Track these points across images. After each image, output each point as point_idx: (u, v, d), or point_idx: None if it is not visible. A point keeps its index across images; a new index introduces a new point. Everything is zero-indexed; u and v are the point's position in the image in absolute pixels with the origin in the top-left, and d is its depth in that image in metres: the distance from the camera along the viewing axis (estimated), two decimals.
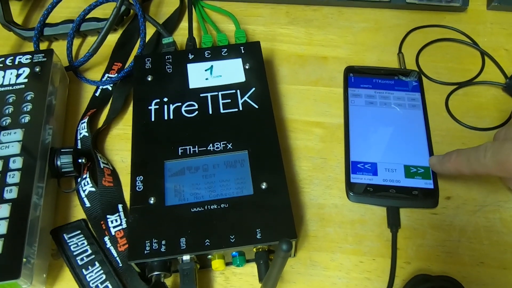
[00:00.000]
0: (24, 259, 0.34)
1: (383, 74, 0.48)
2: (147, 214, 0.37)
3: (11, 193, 0.37)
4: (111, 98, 0.49)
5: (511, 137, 0.36)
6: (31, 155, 0.39)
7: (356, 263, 0.39)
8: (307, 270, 0.39)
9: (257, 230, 0.35)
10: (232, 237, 0.35)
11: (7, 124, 0.41)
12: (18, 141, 0.40)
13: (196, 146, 0.40)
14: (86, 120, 0.46)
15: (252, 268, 0.39)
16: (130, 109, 0.49)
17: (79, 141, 0.45)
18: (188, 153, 0.40)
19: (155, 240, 0.35)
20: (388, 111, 0.46)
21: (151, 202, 0.37)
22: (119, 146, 0.46)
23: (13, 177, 0.38)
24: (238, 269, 0.39)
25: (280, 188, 0.38)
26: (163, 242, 0.35)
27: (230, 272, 0.39)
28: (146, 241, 0.35)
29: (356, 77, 0.48)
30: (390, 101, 0.46)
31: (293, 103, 0.48)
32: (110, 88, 0.50)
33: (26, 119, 0.42)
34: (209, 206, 0.37)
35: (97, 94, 0.50)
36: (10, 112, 0.42)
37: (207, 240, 0.35)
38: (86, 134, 0.45)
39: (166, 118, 0.42)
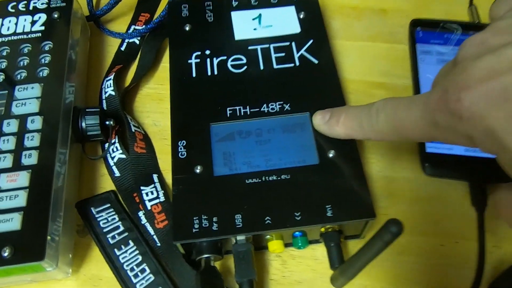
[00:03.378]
0: (49, 237, 0.29)
1: (455, 28, 0.41)
2: (193, 185, 0.31)
3: (30, 158, 0.31)
4: (139, 53, 0.42)
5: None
6: (53, 114, 0.33)
7: (436, 246, 0.33)
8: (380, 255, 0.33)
9: (327, 206, 0.29)
10: (297, 215, 0.29)
11: (22, 78, 0.35)
12: (37, 97, 0.34)
13: (248, 107, 0.34)
14: (112, 77, 0.39)
15: (312, 251, 0.33)
16: (162, 65, 0.42)
17: (104, 102, 0.39)
18: (238, 114, 0.34)
19: (205, 217, 0.29)
20: None
21: (197, 171, 0.31)
22: (151, 107, 0.40)
23: (32, 140, 0.32)
24: (297, 252, 0.33)
25: (351, 156, 0.32)
26: (215, 219, 0.29)
27: (288, 255, 0.33)
28: (195, 218, 0.29)
29: (425, 31, 0.41)
30: None
31: (350, 61, 0.42)
32: (138, 42, 0.43)
33: (45, 72, 0.35)
34: (267, 177, 0.31)
35: (122, 49, 0.43)
36: (25, 64, 0.36)
37: (268, 217, 0.29)
38: (113, 93, 0.39)
39: (209, 73, 0.36)
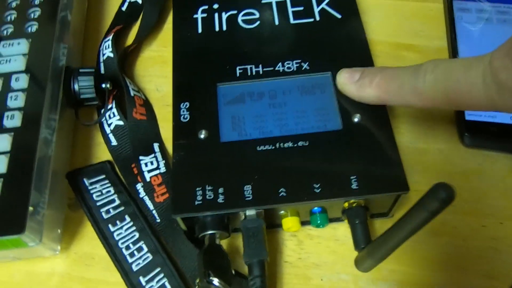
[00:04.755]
0: (31, 208, 0.25)
1: None
2: (197, 152, 0.27)
3: (13, 119, 0.27)
4: (142, 13, 0.38)
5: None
6: (40, 74, 0.29)
7: (476, 227, 0.29)
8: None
9: (352, 178, 0.25)
10: (316, 186, 0.25)
11: (8, 34, 0.31)
12: (23, 54, 0.30)
13: (260, 66, 0.30)
14: (110, 37, 0.35)
15: (333, 230, 0.29)
16: (166, 26, 0.38)
17: (102, 65, 0.35)
18: (249, 74, 0.30)
19: (209, 187, 0.25)
20: (509, 30, 0.34)
21: (202, 136, 0.27)
22: (153, 71, 0.36)
23: (16, 99, 0.28)
24: (315, 231, 0.29)
25: (380, 121, 0.27)
26: (221, 190, 0.25)
27: (305, 235, 0.29)
28: (197, 189, 0.25)
29: None
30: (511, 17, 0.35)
31: (376, 21, 0.37)
32: (140, 1, 0.39)
33: (33, 27, 0.31)
34: (281, 144, 0.27)
35: (123, 8, 0.39)
36: (12, 19, 0.32)
37: (282, 189, 0.25)
38: (111, 54, 0.35)
39: (217, 29, 0.32)
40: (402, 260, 0.28)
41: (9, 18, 0.32)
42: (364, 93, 0.27)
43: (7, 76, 0.29)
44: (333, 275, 0.28)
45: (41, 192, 0.26)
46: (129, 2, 0.39)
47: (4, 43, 0.30)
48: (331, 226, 0.29)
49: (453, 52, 0.34)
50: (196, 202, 0.25)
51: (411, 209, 0.18)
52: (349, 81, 0.27)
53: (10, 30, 0.31)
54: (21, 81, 0.29)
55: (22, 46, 0.30)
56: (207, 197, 0.25)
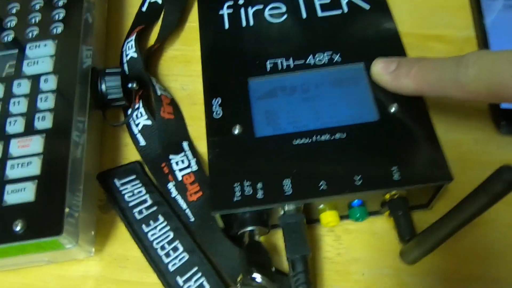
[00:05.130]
0: (67, 209, 0.25)
1: None
2: (232, 148, 0.26)
3: (44, 121, 0.27)
4: (163, 13, 0.38)
5: None
6: (68, 74, 0.29)
7: None
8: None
9: (393, 168, 0.25)
10: (357, 178, 0.25)
11: (34, 36, 0.31)
12: (50, 55, 0.30)
13: (291, 59, 0.29)
14: (133, 37, 0.35)
15: (370, 224, 0.28)
16: (188, 25, 0.38)
17: (125, 65, 0.35)
18: (280, 68, 0.29)
19: (248, 183, 0.25)
20: None
21: (236, 132, 0.27)
22: (177, 70, 0.36)
23: (46, 101, 0.28)
24: (353, 225, 0.28)
25: (417, 110, 0.27)
26: (259, 185, 0.25)
27: (342, 229, 0.28)
28: (236, 185, 0.25)
29: None
30: None
31: (403, 13, 0.36)
32: (160, 1, 0.39)
33: (59, 29, 0.31)
34: (318, 137, 0.26)
35: (144, 9, 0.39)
36: (37, 21, 0.32)
37: (322, 182, 0.25)
38: (135, 55, 0.34)
39: (244, 24, 0.31)
40: (445, 255, 0.27)
41: (33, 20, 0.32)
42: (400, 83, 0.26)
43: (36, 78, 0.29)
44: (374, 270, 0.27)
45: (75, 194, 0.26)
46: (149, 3, 0.39)
47: (30, 45, 0.30)
48: (368, 220, 0.28)
49: (482, 41, 0.33)
50: (235, 198, 0.25)
51: (471, 194, 0.17)
52: (384, 71, 0.27)
53: (35, 33, 0.31)
54: (50, 82, 0.28)
55: (48, 48, 0.30)
56: (246, 192, 0.25)
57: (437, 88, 0.25)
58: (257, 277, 0.23)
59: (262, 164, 0.26)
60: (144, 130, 0.32)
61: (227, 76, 0.29)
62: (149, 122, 0.32)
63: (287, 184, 0.25)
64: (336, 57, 0.29)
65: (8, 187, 0.25)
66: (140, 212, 0.29)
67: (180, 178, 0.29)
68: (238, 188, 0.25)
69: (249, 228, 0.25)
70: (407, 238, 0.24)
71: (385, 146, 0.26)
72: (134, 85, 0.32)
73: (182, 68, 0.36)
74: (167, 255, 0.28)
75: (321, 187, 0.24)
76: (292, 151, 0.26)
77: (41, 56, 0.30)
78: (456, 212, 0.18)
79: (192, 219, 0.29)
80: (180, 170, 0.30)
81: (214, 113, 0.28)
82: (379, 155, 0.25)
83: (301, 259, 0.24)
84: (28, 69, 0.29)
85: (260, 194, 0.25)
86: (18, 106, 0.28)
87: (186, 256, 0.28)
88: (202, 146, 0.31)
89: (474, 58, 0.23)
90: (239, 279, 0.25)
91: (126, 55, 0.35)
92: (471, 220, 0.18)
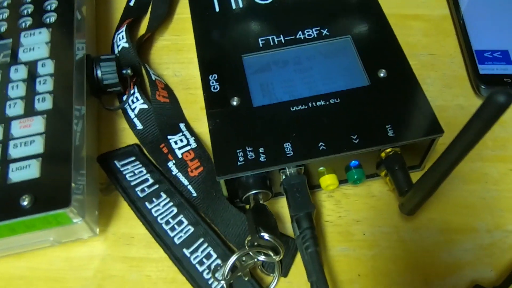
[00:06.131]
0: (73, 184, 0.25)
1: None
2: (232, 118, 0.27)
3: (44, 102, 0.27)
4: (151, 5, 0.39)
5: None
6: (65, 59, 0.30)
7: (505, 171, 0.30)
8: (442, 185, 0.29)
9: (387, 126, 0.26)
10: (354, 137, 0.26)
11: (27, 26, 0.31)
12: (46, 42, 0.30)
13: (281, 36, 0.31)
14: (123, 29, 0.36)
15: (367, 187, 0.29)
16: (176, 17, 0.39)
17: (118, 55, 0.35)
18: (272, 44, 0.30)
19: (250, 149, 0.26)
20: None
21: (234, 103, 0.28)
22: (168, 58, 0.37)
23: (45, 84, 0.28)
24: (351, 189, 0.29)
25: (405, 74, 0.28)
26: (261, 150, 0.26)
27: (341, 194, 0.29)
28: (238, 150, 0.26)
29: None
30: None
31: None
32: None
33: (52, 18, 0.32)
34: (314, 103, 0.27)
35: (131, 4, 0.40)
36: (29, 12, 0.32)
37: (321, 143, 0.26)
38: (126, 45, 0.35)
39: (234, 6, 0.32)
40: (439, 208, 0.28)
41: (25, 11, 0.32)
42: None
43: (33, 64, 0.29)
44: (374, 229, 0.28)
45: (78, 173, 0.26)
46: None
47: (25, 33, 0.30)
48: (365, 184, 0.29)
49: (456, 15, 0.35)
50: (239, 163, 0.25)
51: (466, 124, 0.18)
52: None
53: (28, 23, 0.32)
54: (48, 67, 0.29)
55: (43, 35, 0.30)
56: (249, 157, 0.25)
57: None
58: (265, 235, 0.24)
59: (262, 131, 0.26)
60: (141, 114, 0.32)
61: (222, 54, 0.30)
62: (145, 106, 0.32)
63: (287, 147, 0.26)
64: (325, 32, 0.31)
65: (12, 165, 0.25)
66: (142, 190, 0.29)
67: (180, 156, 0.30)
68: (241, 154, 0.26)
69: (254, 191, 0.26)
70: (405, 189, 0.25)
71: (378, 107, 0.27)
72: (129, 70, 0.33)
73: (174, 56, 0.37)
74: (172, 229, 0.28)
75: (321, 148, 0.26)
76: (290, 117, 0.27)
77: (36, 43, 0.30)
78: (453, 144, 0.19)
79: (195, 194, 0.29)
80: (180, 148, 0.30)
81: (212, 87, 0.29)
82: (372, 115, 0.27)
83: (306, 216, 0.25)
84: (24, 55, 0.30)
85: (262, 158, 0.25)
86: (17, 90, 0.28)
87: (191, 228, 0.28)
88: (198, 127, 0.32)
89: None
90: (246, 240, 0.25)
91: (118, 46, 0.36)
92: (468, 151, 0.19)
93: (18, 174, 0.25)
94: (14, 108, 0.27)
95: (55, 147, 0.26)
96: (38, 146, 0.26)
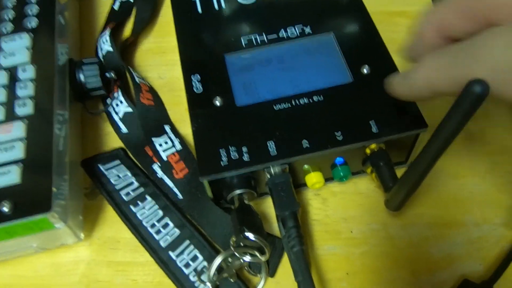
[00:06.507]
0: (54, 189, 0.24)
1: None
2: (215, 118, 0.27)
3: (25, 107, 0.27)
4: (135, 9, 0.39)
5: None
6: (46, 65, 0.29)
7: (492, 165, 0.29)
8: (429, 180, 0.29)
9: (371, 122, 0.26)
10: (338, 134, 0.26)
11: (8, 31, 0.31)
12: (26, 47, 0.30)
13: (263, 34, 0.30)
14: (107, 32, 0.36)
15: (354, 184, 0.29)
16: (161, 19, 0.39)
17: (102, 59, 0.35)
18: (254, 43, 0.30)
19: (233, 148, 0.26)
20: None
21: (217, 103, 0.28)
22: (153, 61, 0.36)
23: (26, 89, 0.28)
24: (338, 187, 0.29)
25: (388, 69, 0.28)
26: (245, 149, 0.25)
27: (328, 192, 0.29)
28: (221, 150, 0.25)
29: None
30: None
31: None
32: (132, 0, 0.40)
33: (33, 23, 0.31)
34: (297, 101, 0.27)
35: (115, 7, 0.39)
36: (10, 17, 0.32)
37: (305, 140, 0.25)
38: (110, 48, 0.35)
39: (217, 7, 0.32)
40: (427, 203, 0.28)
41: (6, 16, 0.32)
42: (409, 79, 0.22)
43: (13, 69, 0.29)
44: (362, 226, 0.28)
45: (61, 177, 0.26)
46: (121, 2, 0.40)
47: (5, 39, 0.30)
48: (352, 181, 0.29)
49: None
50: (222, 163, 0.25)
51: (445, 116, 0.18)
52: (396, 77, 0.24)
53: (9, 28, 0.31)
54: (28, 72, 0.29)
55: (24, 40, 0.30)
56: (232, 157, 0.25)
57: (451, 79, 0.19)
58: (250, 235, 0.24)
59: (245, 130, 0.26)
60: (126, 117, 0.32)
61: (204, 54, 0.30)
62: (129, 110, 0.32)
63: (271, 146, 0.25)
64: (307, 29, 0.30)
65: None
66: (127, 194, 0.29)
67: (165, 159, 0.30)
68: (224, 154, 0.25)
69: (238, 191, 0.25)
70: (390, 185, 0.25)
71: (361, 103, 0.27)
72: (113, 74, 0.33)
73: (158, 59, 0.36)
74: (158, 232, 0.28)
75: (305, 146, 0.25)
76: (273, 116, 0.27)
77: (17, 48, 0.30)
78: (434, 137, 0.19)
79: (180, 197, 0.29)
80: (164, 150, 0.30)
81: (194, 88, 0.28)
82: (356, 112, 0.26)
83: (291, 215, 0.25)
84: (5, 61, 0.29)
85: (246, 157, 0.25)
86: None
87: (177, 231, 0.28)
88: (184, 129, 0.32)
89: (487, 35, 0.19)
90: (232, 241, 0.25)
91: (101, 50, 0.35)
92: (448, 144, 0.19)
93: None
94: None
95: (36, 152, 0.26)
96: (18, 151, 0.26)
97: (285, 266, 0.26)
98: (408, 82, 0.22)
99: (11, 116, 0.27)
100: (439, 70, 0.20)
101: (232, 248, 0.25)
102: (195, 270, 0.26)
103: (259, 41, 0.30)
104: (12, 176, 0.25)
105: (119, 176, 0.30)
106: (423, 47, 0.23)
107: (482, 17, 0.20)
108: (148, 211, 0.29)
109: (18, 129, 0.26)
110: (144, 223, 0.28)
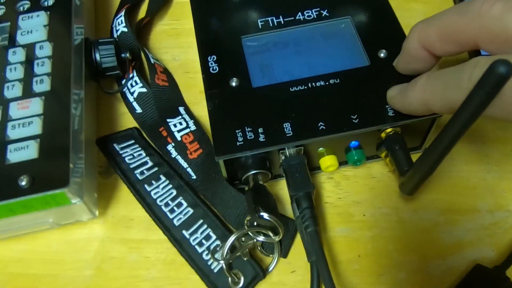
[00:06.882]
0: (71, 165, 0.25)
1: None
2: (231, 98, 0.27)
3: (42, 84, 0.27)
4: None
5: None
6: (63, 42, 0.29)
7: (506, 152, 0.29)
8: (442, 166, 0.29)
9: (387, 106, 0.26)
10: (354, 117, 0.26)
11: (25, 9, 0.31)
12: (44, 25, 0.30)
13: (281, 17, 0.30)
14: (122, 13, 0.36)
15: (367, 169, 0.29)
16: (176, 1, 0.39)
17: (117, 41, 0.35)
18: (271, 25, 0.30)
19: (249, 128, 0.26)
20: None
21: (233, 84, 0.28)
22: (168, 43, 0.36)
23: (43, 65, 0.28)
24: (350, 171, 0.29)
25: None
26: (260, 130, 0.26)
27: (341, 176, 0.29)
28: (237, 131, 0.26)
29: None
30: None
31: None
32: None
33: (50, 1, 0.32)
34: (313, 83, 0.27)
35: None
36: None
37: (321, 123, 0.25)
38: (125, 29, 0.35)
39: None
40: (440, 189, 0.28)
41: None
42: (407, 97, 0.23)
43: (31, 46, 0.29)
44: (374, 210, 0.28)
45: (76, 156, 0.26)
46: None
47: (23, 16, 0.30)
48: (365, 166, 0.29)
49: (459, 0, 0.35)
50: (238, 143, 0.25)
51: (468, 95, 0.18)
52: (395, 91, 0.25)
53: (26, 6, 0.31)
54: (46, 49, 0.29)
55: (41, 18, 0.30)
56: (248, 137, 0.25)
57: (442, 99, 0.21)
58: (264, 214, 0.24)
59: (261, 111, 0.26)
60: (140, 97, 0.32)
61: (221, 36, 0.30)
62: (144, 90, 0.32)
63: (287, 127, 0.26)
64: (324, 12, 0.30)
65: (10, 146, 0.25)
66: (141, 173, 0.29)
67: (179, 139, 0.30)
68: (240, 134, 0.25)
69: (253, 172, 0.26)
70: (405, 169, 0.25)
71: (378, 87, 0.27)
72: (128, 54, 0.33)
73: (173, 41, 0.36)
74: (172, 211, 0.28)
75: (320, 127, 0.25)
76: (289, 97, 0.27)
77: (34, 26, 0.30)
78: (455, 117, 0.19)
79: (194, 176, 0.29)
80: (179, 131, 0.30)
81: (211, 68, 0.28)
82: (373, 95, 0.26)
83: (305, 196, 0.25)
84: (22, 38, 0.29)
85: (262, 138, 0.25)
86: (15, 72, 0.28)
87: (190, 210, 0.28)
88: (198, 110, 0.32)
89: (477, 61, 0.19)
90: (246, 220, 0.25)
91: (117, 31, 0.35)
92: (469, 125, 0.19)
93: (16, 155, 0.25)
94: (12, 90, 0.27)
95: (53, 128, 0.26)
96: (36, 127, 0.26)
97: (297, 247, 0.27)
98: (405, 100, 0.24)
99: (28, 93, 0.27)
100: (433, 93, 0.22)
101: (246, 227, 0.25)
102: (208, 248, 0.27)
103: (275, 23, 0.30)
104: (30, 151, 0.25)
105: (133, 155, 0.30)
106: (411, 59, 0.25)
107: (464, 43, 0.22)
108: (162, 190, 0.29)
109: (36, 106, 0.26)
110: (158, 202, 0.28)
